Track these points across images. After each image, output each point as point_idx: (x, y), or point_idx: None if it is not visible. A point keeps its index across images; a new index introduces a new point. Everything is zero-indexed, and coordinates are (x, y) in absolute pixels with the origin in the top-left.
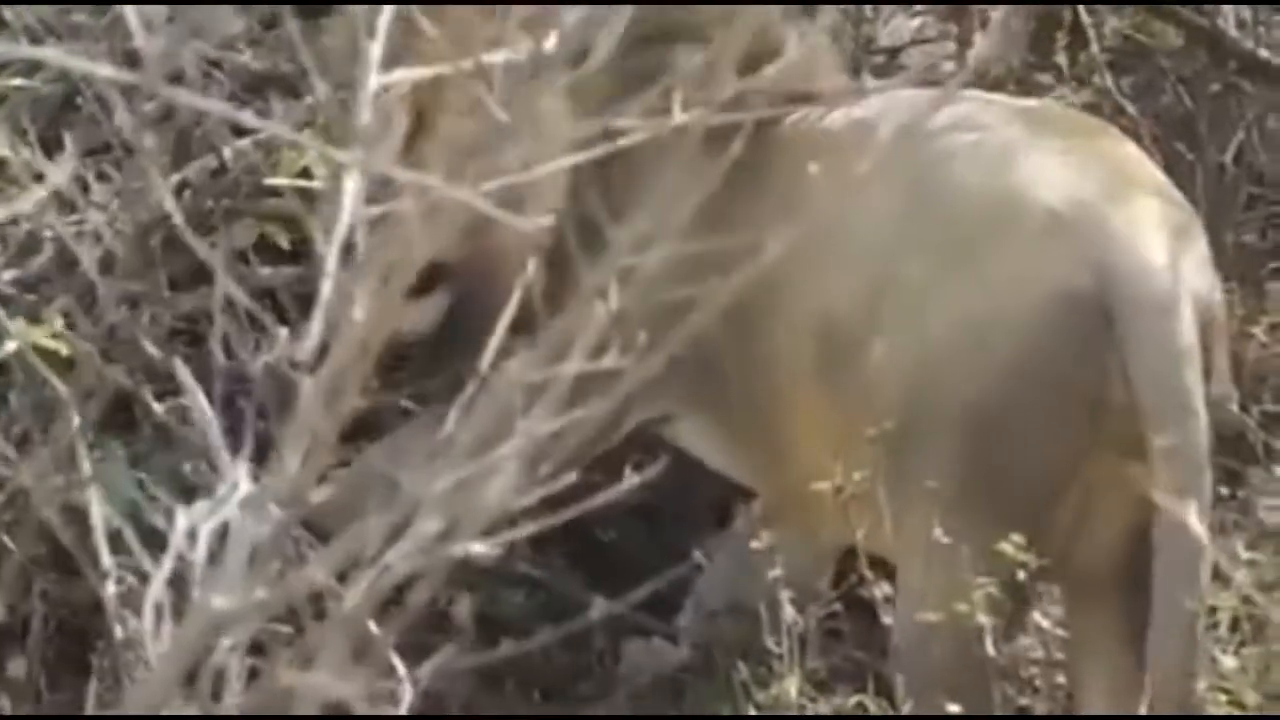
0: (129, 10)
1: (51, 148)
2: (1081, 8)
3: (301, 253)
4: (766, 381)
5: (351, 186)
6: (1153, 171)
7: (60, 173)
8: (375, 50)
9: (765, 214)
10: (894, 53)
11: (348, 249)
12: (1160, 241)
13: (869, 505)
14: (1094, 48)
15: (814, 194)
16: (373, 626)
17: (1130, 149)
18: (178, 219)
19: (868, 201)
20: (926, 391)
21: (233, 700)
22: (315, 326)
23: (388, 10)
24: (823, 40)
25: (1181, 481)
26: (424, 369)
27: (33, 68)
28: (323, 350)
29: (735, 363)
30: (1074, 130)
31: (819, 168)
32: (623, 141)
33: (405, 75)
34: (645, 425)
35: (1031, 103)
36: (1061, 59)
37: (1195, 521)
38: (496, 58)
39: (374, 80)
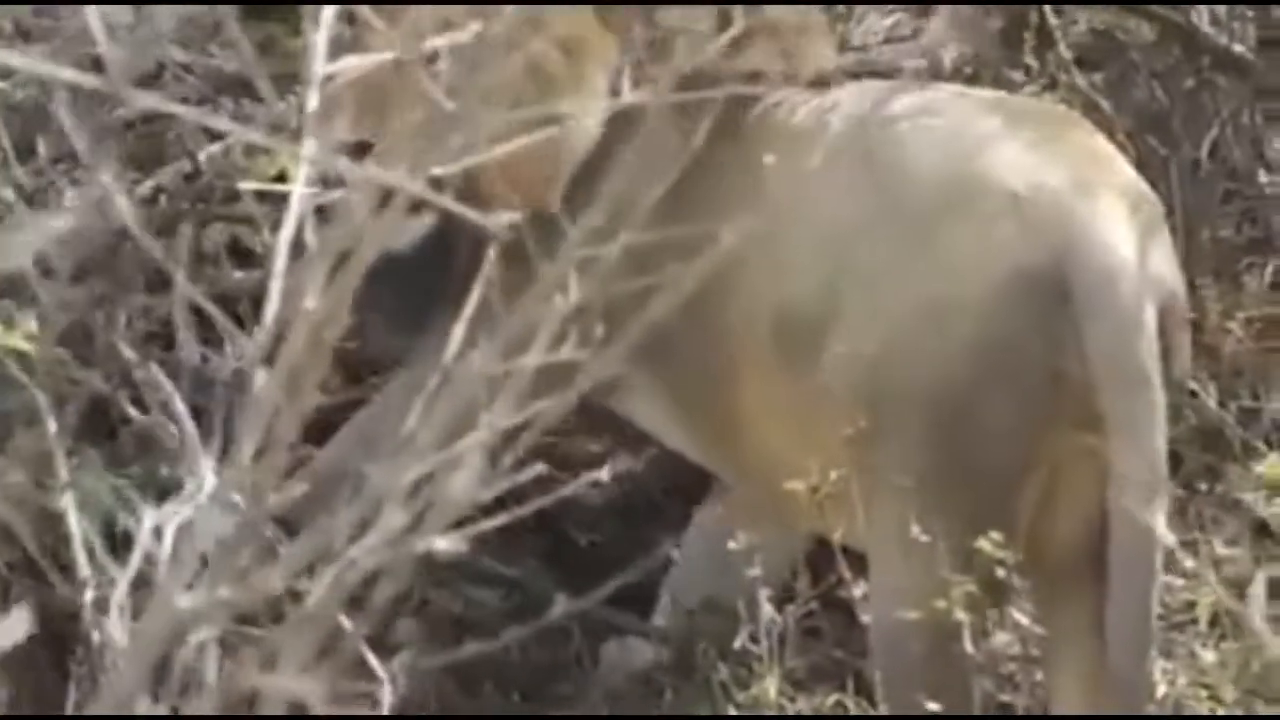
0: (91, 15)
1: (25, 155)
2: (1048, 7)
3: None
4: (718, 358)
5: (299, 177)
6: (1116, 159)
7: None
8: (320, 40)
9: (726, 197)
10: (866, 49)
11: (298, 242)
12: (1117, 221)
13: (840, 495)
14: (1061, 48)
15: (774, 178)
16: (344, 622)
17: (1096, 139)
18: (133, 226)
19: (827, 185)
20: (888, 373)
21: (200, 700)
22: (268, 318)
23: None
24: (819, 19)
25: (1135, 453)
26: (387, 329)
27: (5, 73)
28: (277, 343)
29: (686, 337)
30: (1039, 119)
31: (780, 153)
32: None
33: (350, 64)
34: (598, 390)
35: (1002, 94)
36: (1030, 58)
37: (1150, 496)
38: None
39: (319, 68)
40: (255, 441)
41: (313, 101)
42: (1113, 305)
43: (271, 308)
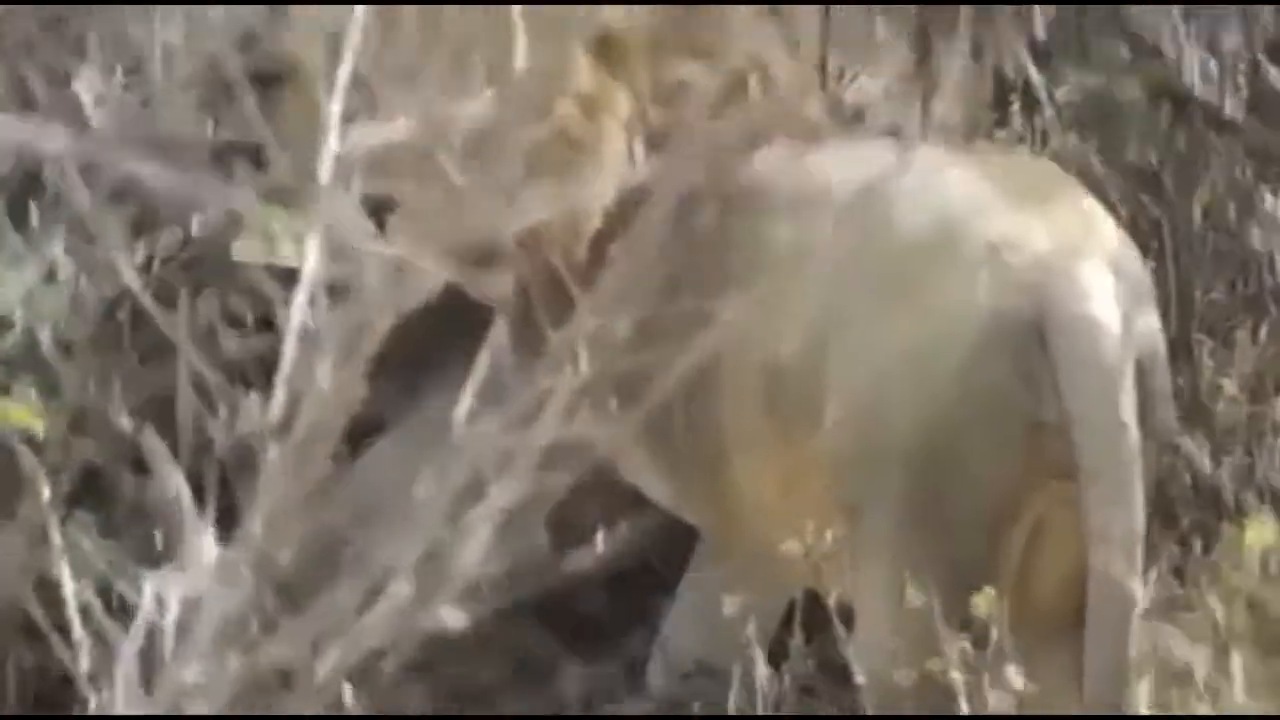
0: (80, 85)
1: (19, 223)
2: (1033, 69)
3: (269, 324)
4: (711, 414)
5: (313, 250)
6: (1099, 213)
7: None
8: (335, 109)
9: (713, 259)
10: (858, 112)
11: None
12: (1097, 273)
13: (834, 555)
14: (1048, 111)
15: (760, 238)
16: (348, 695)
17: (1079, 192)
18: (140, 293)
19: (812, 244)
20: (871, 422)
21: None
22: (279, 394)
23: (345, 70)
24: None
25: (1111, 503)
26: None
27: None
28: (288, 417)
29: (680, 395)
30: (1022, 173)
31: (766, 214)
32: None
33: (364, 136)
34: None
35: (988, 149)
36: (1016, 121)
37: (1126, 548)
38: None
39: (334, 141)
40: (266, 514)
41: (326, 173)
42: (1090, 356)
43: (283, 378)
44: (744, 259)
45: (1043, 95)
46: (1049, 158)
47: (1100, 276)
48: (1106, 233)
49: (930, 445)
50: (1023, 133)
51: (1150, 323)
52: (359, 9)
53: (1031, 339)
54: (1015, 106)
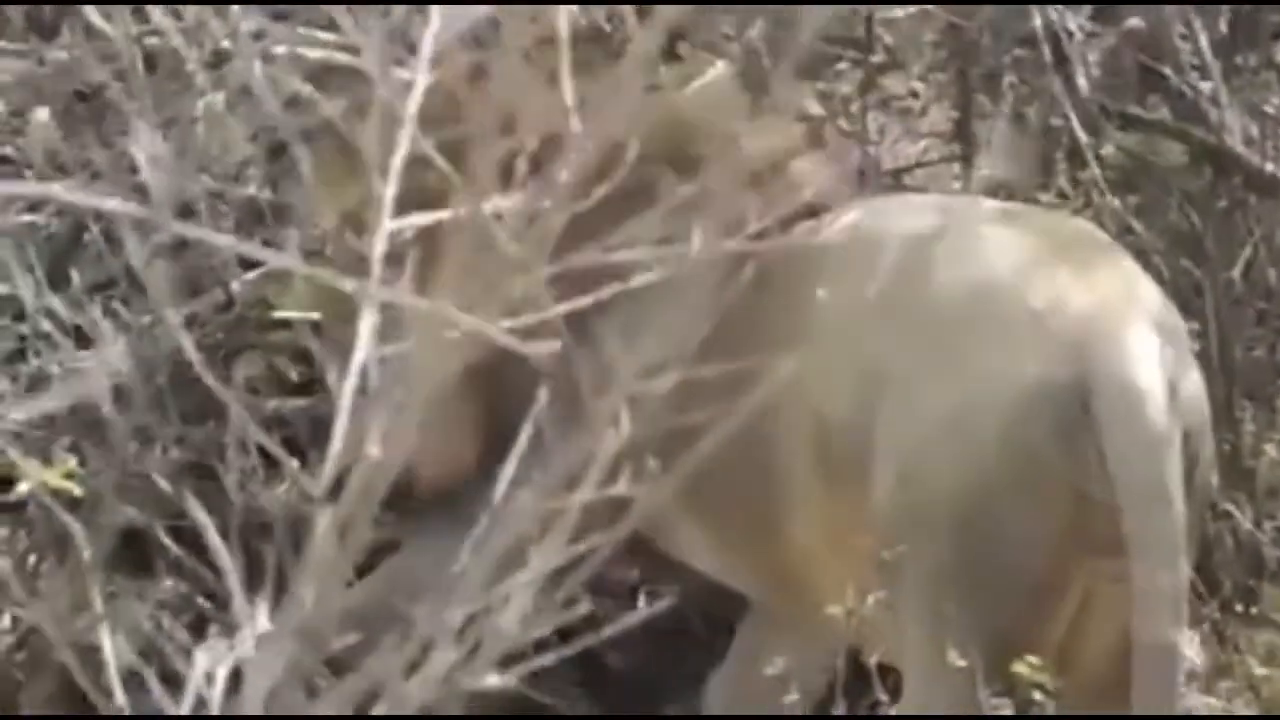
0: (135, 147)
1: (59, 283)
2: (1080, 128)
3: (310, 384)
4: (762, 473)
5: (367, 321)
6: (1140, 276)
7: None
8: (389, 193)
9: (759, 320)
10: (898, 174)
11: (362, 383)
12: (1141, 337)
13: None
14: (1094, 169)
15: (805, 298)
16: None
17: (1119, 254)
18: (191, 353)
19: (858, 303)
20: (915, 486)
21: None
22: (330, 461)
23: (401, 152)
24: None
25: (1157, 572)
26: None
27: (40, 202)
28: (336, 484)
29: (723, 463)
30: (1062, 234)
31: (809, 274)
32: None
33: (417, 220)
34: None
35: (1027, 209)
36: (1062, 180)
37: (1172, 617)
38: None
39: (386, 225)
40: (313, 585)
41: (379, 250)
42: (1136, 423)
43: (335, 446)
44: (790, 318)
45: (1089, 156)
46: (1091, 218)
47: (1145, 340)
48: (1148, 295)
49: (971, 510)
50: (1067, 193)
51: (1195, 386)
52: (418, 87)
53: (1074, 404)
54: (1061, 166)
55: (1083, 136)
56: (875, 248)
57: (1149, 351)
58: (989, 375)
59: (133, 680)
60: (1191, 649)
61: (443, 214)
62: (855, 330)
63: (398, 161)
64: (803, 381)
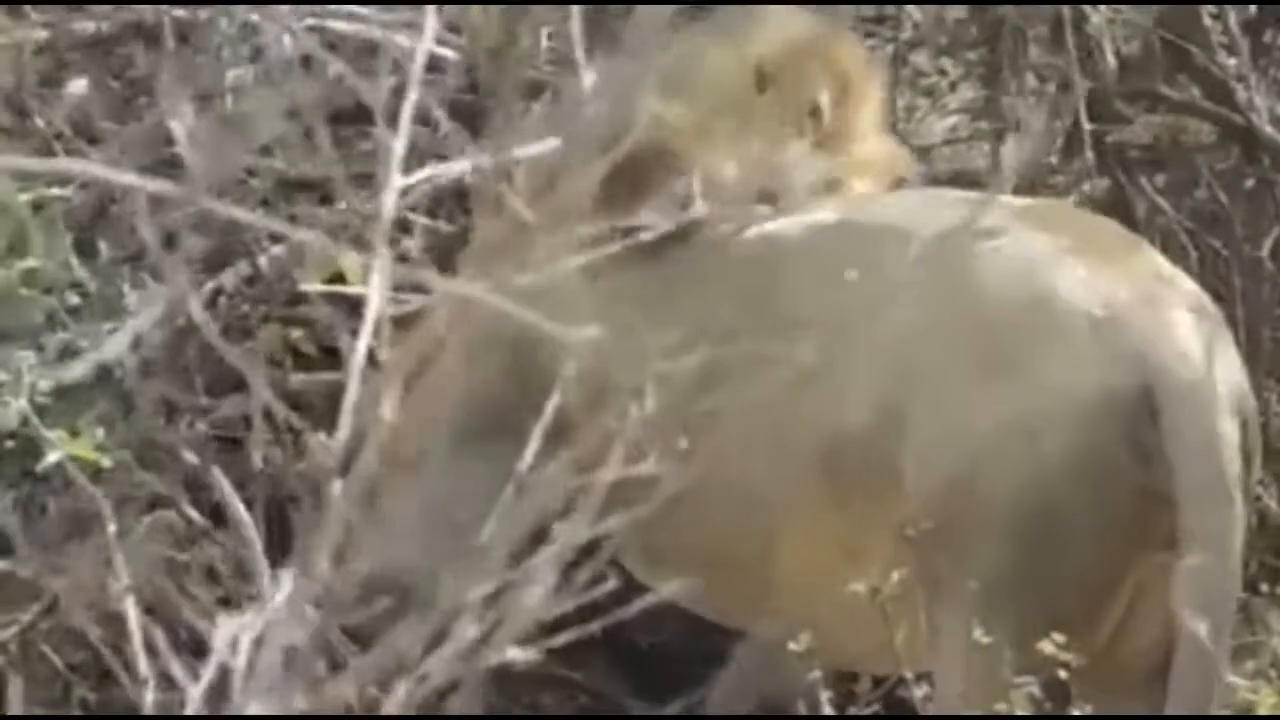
0: (174, 123)
1: (87, 254)
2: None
3: (334, 357)
4: (754, 488)
5: (376, 285)
6: (1175, 272)
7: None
8: (398, 147)
9: (770, 324)
10: (925, 151)
11: (374, 350)
12: (1192, 337)
13: (896, 613)
14: (1088, 154)
15: (828, 304)
16: None
17: (1150, 251)
18: (208, 327)
19: (880, 309)
20: (970, 497)
21: None
22: (343, 428)
23: (408, 107)
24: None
25: (1213, 567)
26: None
27: (65, 179)
28: (353, 452)
29: (716, 478)
30: (1085, 229)
31: (829, 274)
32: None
33: (428, 174)
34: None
35: (1036, 202)
36: (1090, 160)
37: (1216, 612)
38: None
39: (396, 179)
40: (331, 551)
41: (388, 209)
42: (1200, 422)
43: (347, 416)
44: (804, 319)
45: (1086, 141)
46: (1086, 202)
47: (1197, 342)
48: (1189, 290)
49: (1034, 516)
50: (1090, 172)
51: (1242, 379)
52: (423, 42)
53: (1142, 410)
54: (1089, 146)
55: (1084, 121)
56: (896, 251)
57: (1207, 353)
58: (1053, 384)
59: (157, 650)
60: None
61: (459, 166)
62: (878, 334)
63: (405, 122)
64: (812, 387)
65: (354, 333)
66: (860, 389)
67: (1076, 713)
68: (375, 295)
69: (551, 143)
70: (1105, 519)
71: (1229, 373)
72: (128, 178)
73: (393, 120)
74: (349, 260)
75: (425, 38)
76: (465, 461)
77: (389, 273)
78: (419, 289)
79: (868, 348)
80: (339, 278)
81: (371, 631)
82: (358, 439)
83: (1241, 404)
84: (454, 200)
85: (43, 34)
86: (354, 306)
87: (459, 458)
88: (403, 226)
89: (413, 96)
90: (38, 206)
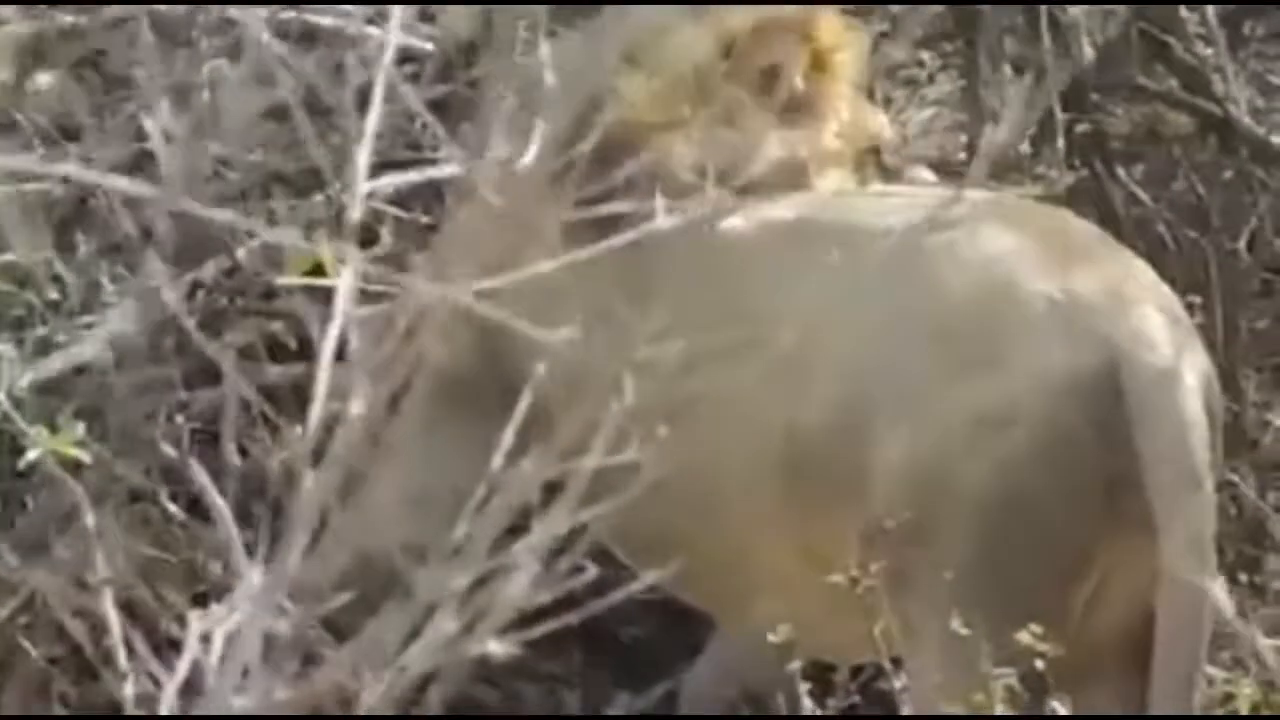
0: (149, 121)
1: (65, 249)
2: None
3: (311, 349)
4: (714, 488)
5: (345, 283)
6: (1134, 259)
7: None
8: (363, 155)
9: (725, 321)
10: (903, 142)
11: (344, 345)
12: (1156, 322)
13: (859, 605)
14: (1059, 142)
15: (786, 305)
16: None
17: (1106, 238)
18: (184, 319)
19: (844, 309)
20: (941, 488)
21: None
22: (313, 421)
23: (374, 115)
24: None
25: (1188, 550)
26: None
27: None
28: (322, 445)
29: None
30: (1046, 222)
31: (789, 273)
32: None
33: (394, 180)
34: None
35: (1000, 197)
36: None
37: (1195, 592)
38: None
39: (362, 184)
40: (303, 542)
41: (355, 212)
42: (1168, 406)
43: (317, 408)
44: (757, 316)
45: (1059, 130)
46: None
47: (1162, 327)
48: (1151, 281)
49: (1005, 505)
50: (1062, 162)
51: (1206, 363)
52: (388, 53)
53: (1107, 393)
54: (1063, 137)
55: (1058, 112)
56: (856, 246)
57: (1168, 338)
58: (1018, 371)
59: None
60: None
61: (419, 175)
62: (836, 331)
63: (372, 123)
64: (773, 387)
65: (328, 325)
66: (821, 388)
67: (1054, 703)
68: (343, 296)
69: (528, 141)
70: (1074, 501)
71: (1195, 357)
72: (107, 179)
73: (362, 114)
74: (326, 252)
75: (392, 29)
76: (434, 438)
77: (359, 273)
78: (392, 285)
79: (827, 347)
80: (319, 269)
81: (346, 621)
82: (328, 430)
83: (1208, 390)
84: (430, 191)
85: (26, 28)
86: (331, 298)
87: (428, 434)
88: (378, 218)
89: (379, 90)
90: (16, 200)
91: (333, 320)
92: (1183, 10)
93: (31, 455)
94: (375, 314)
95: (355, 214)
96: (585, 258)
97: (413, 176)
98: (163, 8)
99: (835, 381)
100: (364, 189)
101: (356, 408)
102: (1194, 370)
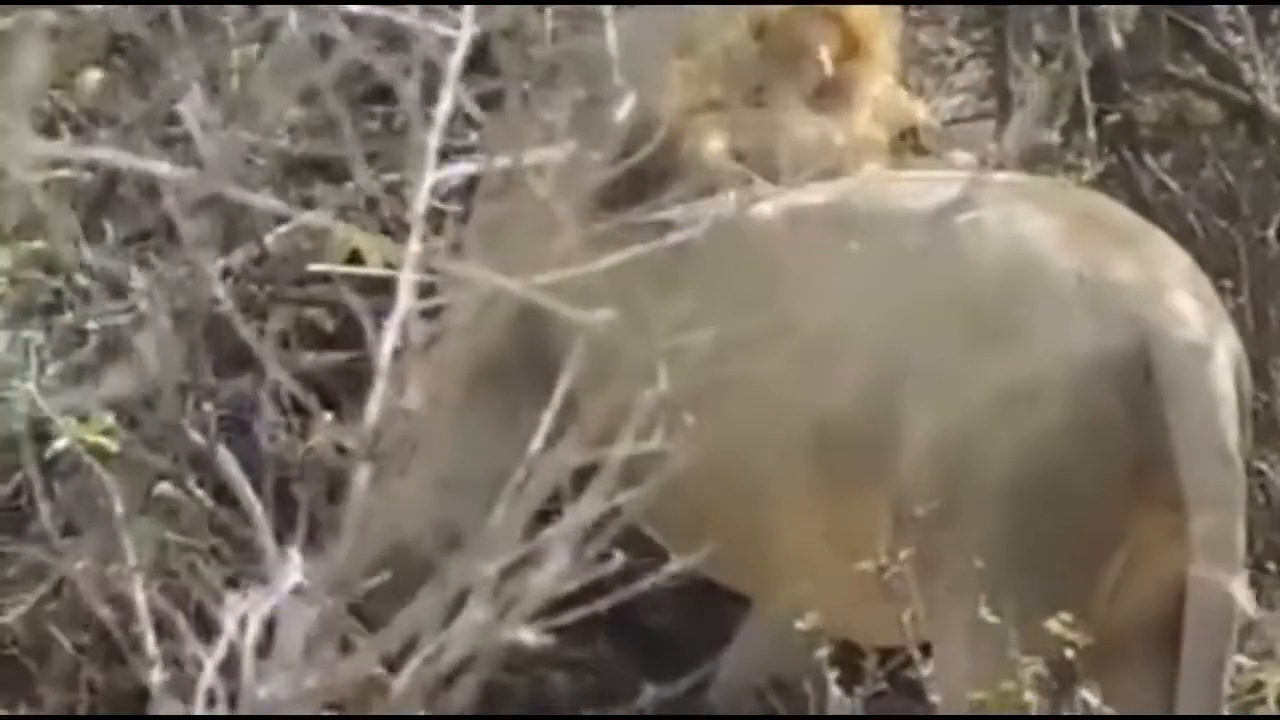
0: (186, 110)
1: (93, 235)
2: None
3: (344, 337)
4: (748, 471)
5: (407, 276)
6: (1164, 238)
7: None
8: (432, 142)
9: (750, 309)
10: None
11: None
12: (1186, 299)
13: (889, 590)
14: (1090, 131)
15: (817, 279)
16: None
17: (1139, 220)
18: (227, 305)
19: (869, 288)
20: (968, 468)
21: None
22: (370, 415)
23: (446, 102)
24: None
25: (1218, 529)
26: None
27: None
28: (376, 438)
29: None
30: (1063, 197)
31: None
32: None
33: (461, 170)
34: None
35: (1033, 180)
36: (1094, 139)
37: (1226, 569)
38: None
39: (429, 174)
40: (353, 536)
41: (420, 204)
42: (1199, 383)
43: (375, 404)
44: (782, 303)
45: (1089, 119)
46: (1093, 182)
47: (1191, 304)
48: (1179, 259)
49: (1033, 484)
50: (1091, 150)
51: (1236, 342)
52: (464, 38)
53: (1137, 370)
54: (1093, 126)
55: (1087, 99)
56: (887, 229)
57: (1198, 316)
58: (1046, 347)
59: (163, 630)
60: (1247, 600)
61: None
62: (866, 313)
63: (443, 112)
64: (801, 372)
65: (374, 314)
66: (851, 370)
67: (1084, 691)
68: (404, 290)
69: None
70: (1103, 479)
71: (1227, 338)
72: (144, 163)
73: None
74: (363, 240)
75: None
76: (467, 423)
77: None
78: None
79: (858, 328)
80: (356, 257)
81: (375, 611)
82: (384, 425)
83: (1239, 370)
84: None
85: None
86: (368, 285)
87: (461, 418)
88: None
89: (450, 91)
90: (45, 187)
91: (394, 311)
92: None
93: (59, 444)
94: (433, 306)
95: (421, 204)
96: (615, 243)
97: (473, 168)
98: None
99: (865, 363)
100: (431, 178)
101: (412, 401)
102: (1225, 349)
